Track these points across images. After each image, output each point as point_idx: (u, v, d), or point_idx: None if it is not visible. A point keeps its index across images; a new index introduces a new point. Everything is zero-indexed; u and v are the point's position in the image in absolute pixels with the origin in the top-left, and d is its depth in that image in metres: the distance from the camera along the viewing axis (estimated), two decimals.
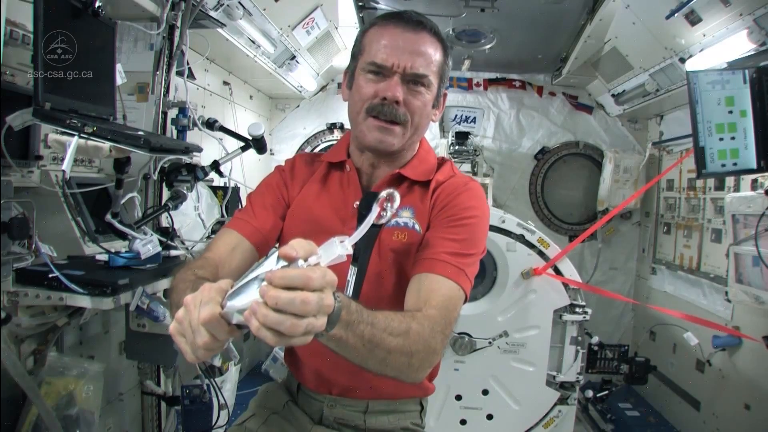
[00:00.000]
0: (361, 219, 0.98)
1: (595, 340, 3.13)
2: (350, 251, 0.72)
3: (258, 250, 1.19)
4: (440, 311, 1.00)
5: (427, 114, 1.19)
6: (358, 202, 1.17)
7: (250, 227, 1.18)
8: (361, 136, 1.18)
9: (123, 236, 1.61)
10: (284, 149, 4.30)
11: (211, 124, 2.12)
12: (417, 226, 1.16)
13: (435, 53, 1.15)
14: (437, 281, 1.04)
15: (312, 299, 0.65)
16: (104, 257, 1.55)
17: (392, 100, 1.12)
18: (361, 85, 1.15)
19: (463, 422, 2.60)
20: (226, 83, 3.25)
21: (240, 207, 2.32)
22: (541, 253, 2.55)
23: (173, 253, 1.83)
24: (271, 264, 0.68)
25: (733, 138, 2.20)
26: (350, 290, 1.02)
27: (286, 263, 0.68)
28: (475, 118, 4.22)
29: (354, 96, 1.18)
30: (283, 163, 1.33)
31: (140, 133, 1.50)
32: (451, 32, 3.39)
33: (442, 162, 1.28)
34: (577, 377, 2.59)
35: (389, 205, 0.93)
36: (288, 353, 1.32)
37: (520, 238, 2.56)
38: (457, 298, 1.06)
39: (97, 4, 1.49)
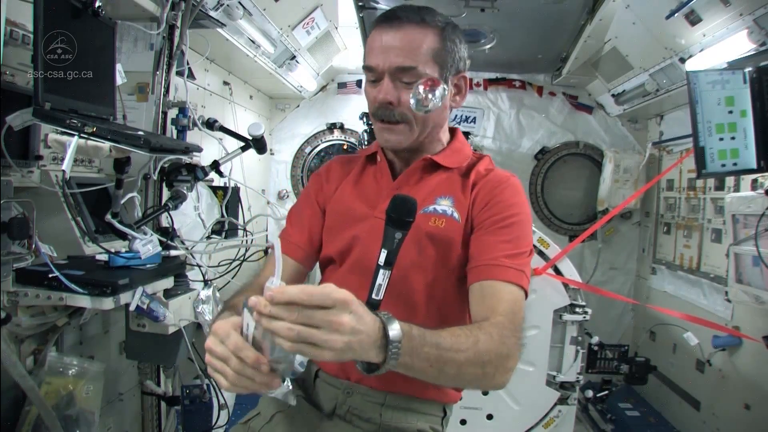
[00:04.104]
0: (388, 219, 0.99)
1: (595, 340, 3.13)
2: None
3: (303, 263, 1.26)
4: (507, 316, 1.01)
5: None
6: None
7: (289, 245, 1.25)
8: (378, 139, 1.24)
9: (123, 236, 1.61)
10: (284, 149, 4.30)
11: (211, 124, 2.12)
12: (456, 215, 1.15)
13: (423, 40, 1.13)
14: (500, 288, 1.05)
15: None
16: (104, 257, 1.54)
17: (384, 102, 1.14)
18: (366, 92, 1.21)
19: (463, 422, 2.60)
20: (226, 83, 3.25)
21: (240, 207, 2.34)
22: (541, 253, 2.55)
23: (173, 253, 1.83)
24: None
25: (733, 138, 2.20)
26: (381, 293, 1.01)
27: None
28: (475, 118, 4.22)
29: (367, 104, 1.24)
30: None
31: (140, 133, 1.49)
32: None
33: (480, 156, 1.28)
34: (577, 377, 2.59)
35: (429, 91, 1.03)
36: None
37: None
38: (521, 300, 1.07)
39: (97, 4, 1.48)
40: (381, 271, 1.02)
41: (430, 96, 1.11)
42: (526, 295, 1.10)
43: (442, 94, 1.13)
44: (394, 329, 0.81)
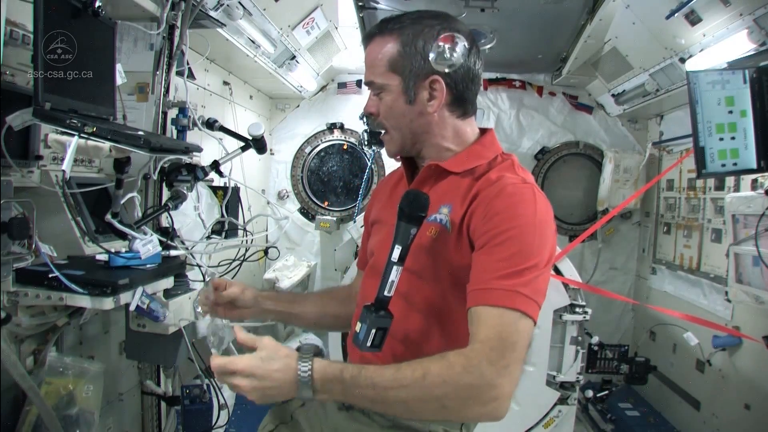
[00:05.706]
0: (400, 214, 1.02)
1: (595, 340, 3.13)
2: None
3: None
4: (487, 343, 0.95)
5: (399, 113, 1.16)
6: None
7: (359, 259, 1.45)
8: None
9: (123, 236, 1.61)
10: (284, 149, 4.30)
11: (211, 124, 2.11)
12: (448, 225, 1.12)
13: (381, 52, 1.14)
14: (485, 313, 0.98)
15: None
16: (104, 257, 1.54)
17: (366, 113, 1.22)
18: None
19: None
20: (226, 83, 3.25)
21: (240, 207, 2.35)
22: None
23: (173, 253, 1.83)
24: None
25: (733, 138, 2.20)
26: (392, 290, 1.01)
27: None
28: (474, 118, 4.22)
29: None
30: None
31: (140, 133, 1.49)
32: None
33: (504, 159, 1.19)
34: (577, 377, 2.59)
35: (446, 47, 1.06)
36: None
37: None
38: (513, 323, 0.97)
39: (97, 4, 1.48)
40: (394, 267, 1.03)
41: (447, 52, 1.07)
42: (534, 319, 1.00)
43: (463, 51, 1.09)
44: (306, 392, 0.92)
